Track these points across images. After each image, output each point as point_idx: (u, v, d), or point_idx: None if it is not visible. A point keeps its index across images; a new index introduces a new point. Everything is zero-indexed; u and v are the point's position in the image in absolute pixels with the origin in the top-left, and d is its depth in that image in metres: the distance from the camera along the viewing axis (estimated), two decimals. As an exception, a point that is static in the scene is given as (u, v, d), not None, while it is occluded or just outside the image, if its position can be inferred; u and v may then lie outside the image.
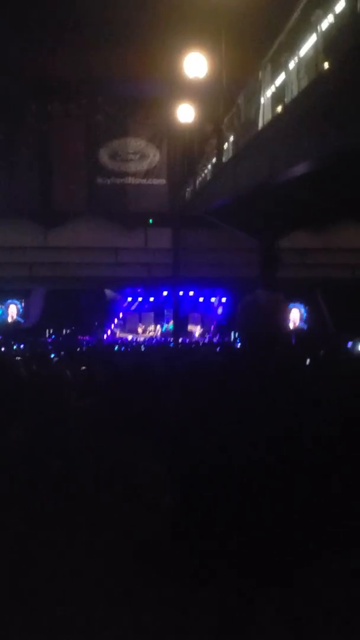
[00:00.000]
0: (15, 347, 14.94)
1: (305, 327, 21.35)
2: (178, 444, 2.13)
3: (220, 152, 12.00)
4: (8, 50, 13.75)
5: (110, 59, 14.41)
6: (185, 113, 14.92)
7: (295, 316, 21.60)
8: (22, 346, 15.08)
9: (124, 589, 2.50)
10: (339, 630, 1.88)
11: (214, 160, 12.81)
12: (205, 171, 14.41)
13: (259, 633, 1.88)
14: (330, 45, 5.99)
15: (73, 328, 21.44)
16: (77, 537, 3.31)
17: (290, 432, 1.92)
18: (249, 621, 1.88)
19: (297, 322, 21.54)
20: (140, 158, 17.66)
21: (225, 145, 11.94)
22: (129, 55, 14.14)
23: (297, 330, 20.31)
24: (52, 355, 9.74)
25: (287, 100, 7.31)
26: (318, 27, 6.28)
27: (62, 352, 11.81)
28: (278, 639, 1.86)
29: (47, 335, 20.89)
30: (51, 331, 21.16)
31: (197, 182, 15.06)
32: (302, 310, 21.78)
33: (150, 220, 17.39)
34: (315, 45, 6.45)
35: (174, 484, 2.10)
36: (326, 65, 6.09)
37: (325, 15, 6.04)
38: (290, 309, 21.66)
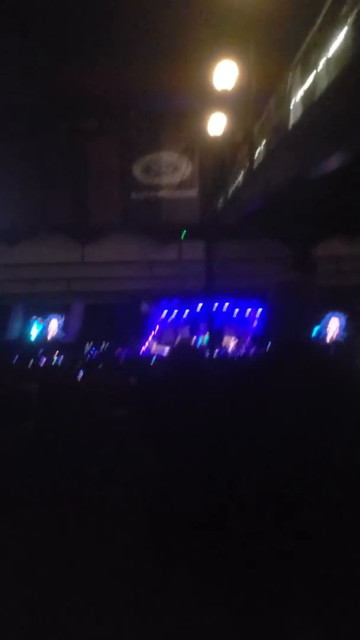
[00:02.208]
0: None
1: (345, 336, 21.00)
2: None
3: (251, 158, 12.06)
4: (42, 67, 14.23)
5: (141, 74, 14.73)
6: (216, 124, 15.09)
7: (335, 325, 21.27)
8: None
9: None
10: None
11: (245, 167, 12.88)
12: (238, 179, 14.49)
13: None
14: (357, 34, 5.99)
15: (111, 342, 21.65)
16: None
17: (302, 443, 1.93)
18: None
19: (337, 332, 21.19)
20: (173, 171, 17.90)
21: (257, 152, 12.00)
22: (159, 70, 14.42)
23: (337, 341, 19.99)
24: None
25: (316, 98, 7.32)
26: (348, 20, 6.29)
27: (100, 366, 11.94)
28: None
29: (86, 350, 21.15)
30: (90, 345, 21.43)
31: (230, 191, 15.14)
32: (342, 319, 21.43)
33: (184, 232, 17.54)
34: (345, 40, 6.47)
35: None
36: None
37: (355, 8, 6.05)
38: (330, 319, 21.37)
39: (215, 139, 15.33)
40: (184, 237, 17.73)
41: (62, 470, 5.07)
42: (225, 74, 12.55)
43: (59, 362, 14.90)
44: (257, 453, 1.88)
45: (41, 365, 13.15)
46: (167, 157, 17.87)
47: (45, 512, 4.22)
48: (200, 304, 21.29)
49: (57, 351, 17.72)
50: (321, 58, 7.23)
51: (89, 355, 18.43)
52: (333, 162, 6.62)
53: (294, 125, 8.07)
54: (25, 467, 5.00)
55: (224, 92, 12.93)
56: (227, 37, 11.59)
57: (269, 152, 9.95)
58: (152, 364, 13.49)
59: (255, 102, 11.67)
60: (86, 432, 5.56)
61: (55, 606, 2.91)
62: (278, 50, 10.17)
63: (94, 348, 21.07)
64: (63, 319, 21.81)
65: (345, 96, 5.86)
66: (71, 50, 13.61)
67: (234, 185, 14.68)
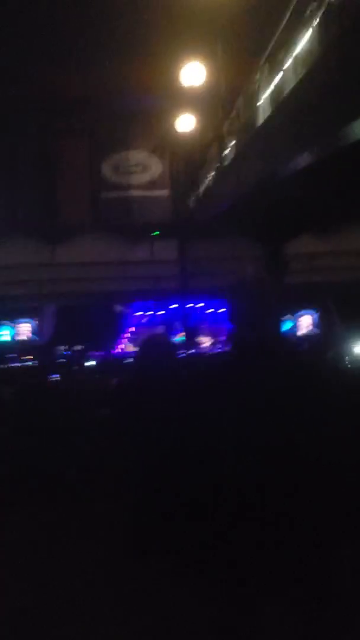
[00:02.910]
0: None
1: (317, 332, 21.23)
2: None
3: (221, 157, 12.06)
4: (11, 68, 14.02)
5: (110, 74, 14.64)
6: (186, 123, 15.08)
7: (306, 322, 21.49)
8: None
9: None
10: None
11: (216, 165, 12.89)
12: (208, 178, 14.48)
13: None
14: (323, 35, 6.02)
15: (85, 344, 21.47)
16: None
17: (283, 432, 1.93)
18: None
19: (309, 328, 21.42)
20: (143, 170, 17.82)
21: (227, 151, 12.01)
22: (128, 70, 14.36)
23: (309, 336, 20.19)
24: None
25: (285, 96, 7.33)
26: (313, 21, 6.32)
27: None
28: None
29: (60, 352, 20.92)
30: (64, 348, 21.20)
31: (201, 189, 15.13)
32: (314, 316, 21.66)
33: (156, 232, 17.48)
34: (311, 40, 6.48)
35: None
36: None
37: (319, 9, 6.08)
38: (302, 316, 21.59)
39: (185, 137, 15.32)
40: (156, 236, 17.68)
41: (41, 473, 4.96)
42: (194, 73, 12.57)
43: (33, 365, 14.72)
44: (234, 447, 1.89)
45: (14, 368, 12.99)
46: (137, 156, 17.79)
47: (23, 514, 4.15)
48: (175, 305, 21.26)
49: (31, 354, 17.48)
50: (288, 57, 7.25)
51: (63, 357, 18.25)
52: (302, 160, 6.64)
53: (262, 124, 8.08)
54: (2, 471, 4.88)
55: (193, 91, 12.95)
56: (195, 37, 11.59)
57: (238, 151, 9.96)
58: (127, 364, 13.41)
59: (224, 101, 11.69)
60: (63, 434, 5.45)
61: (35, 601, 2.87)
62: (245, 50, 10.20)
63: (68, 350, 20.87)
64: (35, 322, 21.52)
65: (312, 95, 5.89)
66: (40, 51, 13.45)
67: (205, 183, 14.68)
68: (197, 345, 21.61)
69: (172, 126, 15.61)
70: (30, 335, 21.55)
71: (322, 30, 5.93)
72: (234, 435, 1.96)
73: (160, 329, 22.77)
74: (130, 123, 17.69)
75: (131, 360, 15.09)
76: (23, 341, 21.22)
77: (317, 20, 6.10)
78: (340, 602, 2.00)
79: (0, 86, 14.65)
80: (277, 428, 1.90)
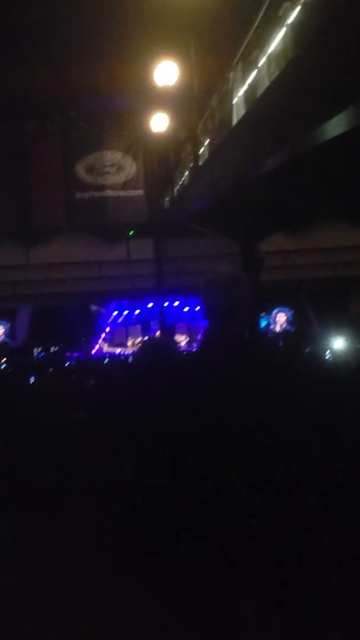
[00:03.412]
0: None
1: (293, 329, 21.47)
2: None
3: (196, 156, 12.12)
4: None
5: (81, 74, 14.55)
6: (159, 122, 15.08)
7: (281, 319, 21.71)
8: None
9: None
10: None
11: (190, 165, 12.93)
12: (183, 178, 14.53)
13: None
14: (298, 35, 6.11)
15: (61, 345, 21.30)
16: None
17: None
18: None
19: (284, 325, 21.64)
20: (117, 170, 17.77)
21: (201, 150, 12.07)
22: (100, 69, 14.29)
23: (284, 333, 20.40)
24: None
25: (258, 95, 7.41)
26: (286, 20, 6.40)
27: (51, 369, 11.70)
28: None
29: (35, 354, 20.72)
30: (39, 349, 20.99)
31: (175, 189, 15.17)
32: (288, 313, 21.90)
33: (131, 232, 17.44)
34: (284, 39, 6.57)
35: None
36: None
37: (292, 8, 6.16)
38: (277, 313, 21.80)
39: (159, 137, 15.32)
40: (132, 236, 17.64)
41: (18, 477, 4.91)
42: (166, 72, 12.56)
43: (8, 368, 14.54)
44: (215, 449, 1.90)
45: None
46: (111, 156, 17.73)
47: (2, 519, 4.11)
48: (151, 304, 21.26)
49: (5, 357, 17.26)
50: (261, 56, 7.32)
51: (38, 359, 18.07)
52: (276, 160, 6.72)
53: (237, 124, 8.15)
54: None
55: (166, 90, 12.94)
56: (167, 36, 11.60)
57: (213, 150, 10.02)
58: (104, 365, 13.36)
59: (198, 100, 11.74)
60: (40, 438, 5.41)
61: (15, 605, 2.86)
62: (218, 49, 10.25)
63: (43, 353, 20.67)
64: (9, 324, 21.28)
65: (285, 96, 5.97)
66: (11, 51, 13.29)
67: (180, 183, 14.72)
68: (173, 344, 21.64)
69: (145, 126, 15.60)
70: (2, 337, 21.31)
71: (297, 30, 6.01)
72: (203, 434, 1.96)
73: (137, 330, 22.78)
74: (103, 123, 17.62)
75: (108, 360, 15.06)
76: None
77: (291, 19, 6.18)
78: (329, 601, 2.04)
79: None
80: (247, 425, 1.90)
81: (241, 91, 8.47)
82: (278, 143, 6.25)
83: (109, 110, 17.08)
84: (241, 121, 7.95)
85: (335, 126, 5.22)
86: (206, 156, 11.62)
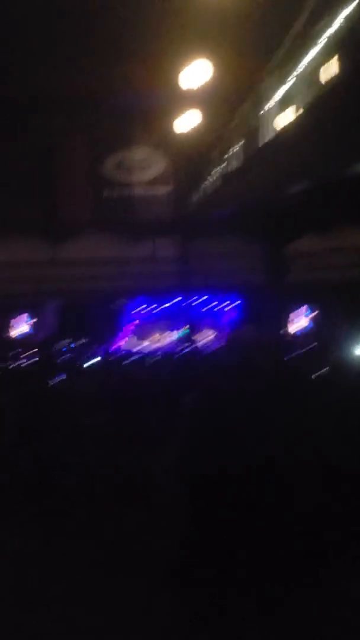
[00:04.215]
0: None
1: (319, 330, 21.21)
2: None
3: (225, 160, 11.95)
4: (11, 65, 13.81)
5: (112, 70, 14.44)
6: (189, 120, 14.90)
7: (307, 322, 21.49)
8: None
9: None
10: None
11: (220, 169, 12.77)
12: (211, 179, 14.37)
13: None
14: (340, 52, 5.88)
15: (85, 340, 21.44)
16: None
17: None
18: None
19: (311, 327, 21.41)
20: (145, 168, 17.65)
21: (230, 153, 11.89)
22: (131, 66, 14.15)
23: (310, 335, 20.16)
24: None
25: (290, 110, 7.22)
26: (323, 36, 6.17)
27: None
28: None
29: (59, 348, 20.89)
30: (64, 344, 21.17)
31: (203, 189, 15.03)
32: (314, 315, 21.63)
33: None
34: (319, 56, 6.34)
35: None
36: (329, 75, 5.99)
37: (330, 24, 5.93)
38: (302, 315, 21.56)
39: (188, 136, 15.16)
40: (158, 234, 17.56)
41: (43, 484, 4.92)
42: (199, 72, 12.34)
43: (33, 366, 14.66)
44: (239, 450, 1.88)
45: (13, 369, 12.91)
46: (139, 153, 17.60)
47: (22, 522, 4.13)
48: (176, 300, 21.20)
49: (30, 354, 17.42)
50: (295, 71, 7.11)
51: (63, 357, 18.21)
52: (306, 184, 6.55)
53: (268, 142, 7.98)
54: (3, 481, 4.84)
55: (197, 89, 12.74)
56: (201, 35, 11.40)
57: (244, 162, 9.86)
58: (128, 363, 13.36)
59: (229, 102, 11.54)
60: (65, 443, 5.38)
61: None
62: (252, 51, 10.03)
63: (66, 348, 20.84)
64: (35, 319, 21.47)
65: (322, 121, 5.78)
66: (42, 48, 13.24)
67: (207, 184, 14.57)
68: (198, 340, 21.62)
69: (175, 124, 15.43)
70: (29, 333, 21.53)
71: (337, 54, 5.79)
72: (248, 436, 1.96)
73: (162, 327, 22.78)
74: (133, 120, 17.47)
75: (132, 360, 15.08)
76: (23, 339, 21.19)
77: (326, 39, 5.95)
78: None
79: (1, 85, 14.44)
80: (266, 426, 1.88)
81: (272, 101, 8.27)
82: (306, 171, 6.08)
83: (138, 106, 16.92)
84: (271, 141, 7.78)
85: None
86: (234, 160, 11.45)
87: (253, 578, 1.99)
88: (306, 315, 21.48)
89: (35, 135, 17.11)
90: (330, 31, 6.26)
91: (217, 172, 13.38)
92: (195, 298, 21.03)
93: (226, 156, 11.85)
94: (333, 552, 2.03)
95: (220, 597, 2.04)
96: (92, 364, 12.60)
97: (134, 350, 20.59)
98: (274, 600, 1.98)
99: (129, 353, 18.83)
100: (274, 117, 8.51)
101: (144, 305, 22.77)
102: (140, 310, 23.02)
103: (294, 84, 7.51)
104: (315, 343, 17.68)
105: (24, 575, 3.45)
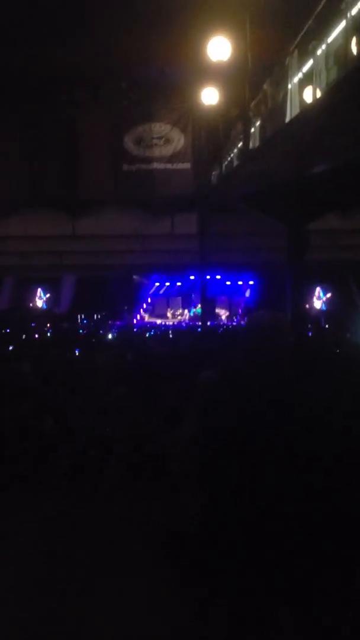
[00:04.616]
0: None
1: (338, 310, 21.17)
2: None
3: (247, 137, 11.84)
4: (33, 38, 13.74)
5: (134, 44, 14.27)
6: (210, 96, 14.72)
7: (326, 300, 21.42)
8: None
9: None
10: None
11: (240, 145, 12.66)
12: (232, 155, 14.26)
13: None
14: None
15: (103, 314, 21.71)
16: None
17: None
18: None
19: (330, 306, 21.36)
20: (165, 143, 17.55)
21: (252, 130, 11.78)
22: (152, 40, 13.97)
23: (329, 314, 20.13)
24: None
25: (315, 88, 7.17)
26: (348, 14, 6.10)
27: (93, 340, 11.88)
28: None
29: (78, 321, 21.23)
30: (83, 317, 21.49)
31: (224, 166, 14.92)
32: (334, 294, 21.55)
33: None
34: (345, 33, 6.28)
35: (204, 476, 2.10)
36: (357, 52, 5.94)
37: (356, 1, 5.86)
38: (322, 294, 21.47)
39: (209, 111, 14.99)
40: (177, 211, 17.53)
41: (62, 452, 5.10)
42: (220, 47, 12.16)
43: (52, 336, 14.92)
44: (254, 426, 1.88)
45: (34, 340, 13.16)
46: (159, 128, 17.48)
47: (44, 494, 4.29)
48: (192, 276, 21.26)
49: (50, 325, 17.73)
50: (319, 48, 7.04)
51: (81, 329, 18.47)
52: (331, 164, 6.54)
53: (291, 120, 7.92)
54: (24, 449, 5.03)
55: (218, 65, 12.56)
56: (223, 10, 11.20)
57: (265, 141, 9.78)
58: (146, 337, 13.55)
59: (251, 78, 11.38)
60: (82, 413, 5.56)
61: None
62: (275, 27, 9.88)
63: (85, 321, 21.13)
64: (55, 292, 21.77)
65: (345, 101, 5.75)
66: (64, 20, 13.13)
67: (228, 161, 14.46)
68: (214, 317, 21.73)
69: (196, 99, 15.27)
70: (48, 305, 21.84)
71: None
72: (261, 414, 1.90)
73: (177, 302, 22.90)
74: (153, 95, 17.32)
75: (150, 333, 15.25)
76: (42, 311, 21.50)
77: (355, 13, 5.87)
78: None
79: (23, 58, 14.40)
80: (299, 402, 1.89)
81: (296, 79, 8.20)
82: (332, 151, 6.07)
83: (159, 81, 16.74)
84: (295, 120, 7.73)
85: None
86: (256, 137, 11.35)
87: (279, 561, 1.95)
88: (324, 295, 21.45)
89: (56, 110, 17.08)
90: (359, 5, 6.17)
91: (238, 149, 13.26)
92: (213, 275, 21.08)
93: (248, 133, 11.74)
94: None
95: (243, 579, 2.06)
96: (110, 337, 12.80)
97: (151, 324, 20.82)
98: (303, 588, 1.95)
99: (146, 327, 19.07)
100: (298, 94, 8.44)
101: (162, 281, 22.91)
102: (158, 286, 23.18)
103: (319, 60, 7.41)
104: (333, 322, 17.69)
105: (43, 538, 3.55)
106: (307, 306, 20.56)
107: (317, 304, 21.35)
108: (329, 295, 21.57)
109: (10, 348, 9.52)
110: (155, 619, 2.52)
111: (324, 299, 21.33)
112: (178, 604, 2.22)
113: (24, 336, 13.82)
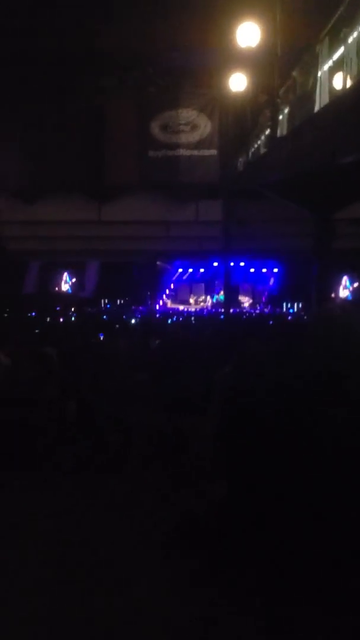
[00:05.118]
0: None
1: (350, 297, 21.01)
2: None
3: (274, 124, 11.76)
4: (60, 23, 13.78)
5: (161, 29, 14.21)
6: (237, 82, 14.61)
7: (352, 288, 21.24)
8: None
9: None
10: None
11: (267, 132, 12.58)
12: (259, 142, 14.16)
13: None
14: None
15: (127, 299, 21.92)
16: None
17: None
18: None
19: (355, 294, 21.20)
20: (192, 129, 17.49)
21: (280, 117, 11.69)
22: (180, 25, 13.89)
23: (353, 303, 19.98)
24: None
25: (345, 76, 7.10)
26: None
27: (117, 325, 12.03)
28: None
29: (102, 305, 21.49)
30: (106, 301, 21.74)
31: (250, 153, 14.82)
32: (349, 281, 21.35)
33: None
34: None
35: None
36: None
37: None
38: (348, 282, 21.27)
39: (236, 98, 14.89)
40: (202, 197, 17.49)
41: (85, 437, 5.27)
42: (249, 32, 12.05)
43: (76, 321, 15.15)
44: (276, 412, 1.97)
45: (58, 324, 13.37)
46: (186, 114, 17.42)
47: (67, 479, 4.44)
48: (216, 263, 21.27)
49: (75, 309, 17.98)
50: (350, 35, 6.97)
51: (105, 314, 18.68)
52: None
53: (321, 110, 7.86)
54: (48, 433, 5.22)
55: (246, 51, 12.45)
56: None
57: (294, 129, 9.72)
58: (169, 322, 13.66)
59: (281, 65, 11.27)
60: (107, 397, 5.70)
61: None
62: (306, 15, 9.76)
63: (109, 306, 21.36)
64: (80, 277, 22.02)
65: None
66: (90, 5, 13.14)
67: (255, 148, 14.36)
68: (237, 304, 21.75)
69: (223, 85, 15.16)
70: (74, 289, 22.11)
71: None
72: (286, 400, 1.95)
73: (201, 288, 22.94)
74: (180, 80, 17.24)
75: (174, 316, 15.33)
76: (68, 295, 21.79)
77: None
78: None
79: (50, 43, 14.46)
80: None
81: (326, 66, 8.13)
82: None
83: (186, 67, 16.65)
84: (325, 108, 7.67)
85: None
86: (285, 125, 11.27)
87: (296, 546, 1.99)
88: (351, 283, 21.26)
89: (83, 95, 17.13)
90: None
91: (265, 136, 13.17)
92: (237, 262, 21.06)
93: (275, 120, 11.66)
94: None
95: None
96: (134, 322, 12.96)
97: (174, 310, 20.94)
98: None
99: (168, 313, 19.19)
100: (328, 82, 8.36)
101: (185, 267, 22.97)
102: (181, 272, 23.25)
103: (350, 48, 7.33)
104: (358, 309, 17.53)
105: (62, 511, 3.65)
106: (332, 295, 20.43)
107: (344, 293, 21.19)
108: (356, 284, 21.38)
109: (37, 331, 9.70)
110: (171, 600, 2.58)
111: (351, 288, 21.16)
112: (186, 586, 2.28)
113: (48, 319, 14.05)
